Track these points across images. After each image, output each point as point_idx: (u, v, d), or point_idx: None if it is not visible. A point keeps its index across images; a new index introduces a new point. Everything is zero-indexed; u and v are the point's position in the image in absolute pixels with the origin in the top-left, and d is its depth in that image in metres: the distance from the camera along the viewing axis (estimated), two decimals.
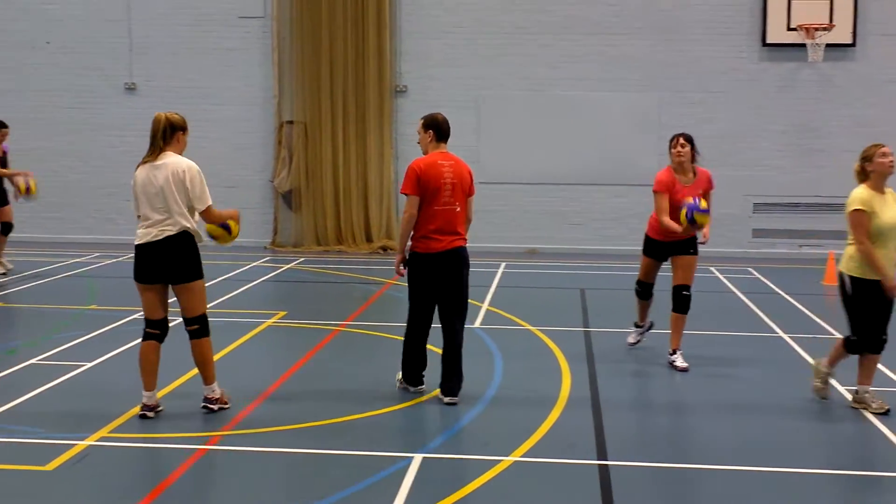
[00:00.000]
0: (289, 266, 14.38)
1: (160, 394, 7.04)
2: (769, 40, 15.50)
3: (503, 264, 14.43)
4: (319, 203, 16.11)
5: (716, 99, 15.74)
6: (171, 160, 6.62)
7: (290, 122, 16.14)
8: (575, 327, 10.06)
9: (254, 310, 10.76)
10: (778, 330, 10.01)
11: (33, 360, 8.36)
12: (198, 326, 6.79)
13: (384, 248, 15.84)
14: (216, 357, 7.40)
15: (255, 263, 14.38)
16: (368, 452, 6.15)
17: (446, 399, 7.24)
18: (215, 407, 6.88)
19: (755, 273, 13.94)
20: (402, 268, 7.36)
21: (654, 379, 8.27)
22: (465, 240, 7.34)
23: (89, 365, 8.22)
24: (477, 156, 16.06)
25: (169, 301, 6.84)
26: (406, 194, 7.18)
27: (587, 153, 15.94)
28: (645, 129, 15.71)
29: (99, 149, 16.22)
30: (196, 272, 6.71)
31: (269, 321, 10.16)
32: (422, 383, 7.52)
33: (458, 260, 7.24)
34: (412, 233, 7.25)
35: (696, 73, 15.75)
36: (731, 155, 15.58)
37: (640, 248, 8.86)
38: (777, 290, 12.45)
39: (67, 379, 7.81)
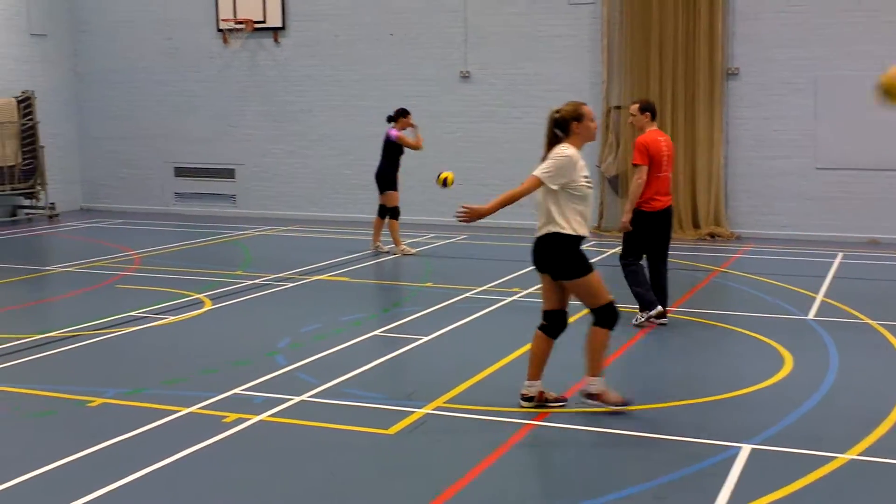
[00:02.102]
0: (614, 250, 14.40)
1: (487, 371, 7.32)
2: None
3: (840, 254, 13.67)
4: None
5: None
6: (552, 152, 6.53)
7: (618, 108, 16.14)
8: None
9: None
10: None
11: (376, 332, 8.98)
12: (594, 316, 6.63)
13: (712, 235, 15.51)
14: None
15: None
16: (695, 439, 6.09)
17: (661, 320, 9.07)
18: (589, 402, 6.60)
19: None
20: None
21: None
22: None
23: (426, 339, 8.70)
24: (813, 140, 15.34)
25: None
26: (639, 165, 8.92)
27: None
28: None
29: (435, 135, 16.97)
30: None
31: None
32: (657, 304, 9.07)
33: (670, 216, 9.26)
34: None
35: None
36: None
37: None
38: None
39: (406, 350, 8.33)
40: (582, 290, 6.55)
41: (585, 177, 6.50)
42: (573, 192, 6.44)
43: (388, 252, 13.68)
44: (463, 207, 6.40)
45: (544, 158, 6.55)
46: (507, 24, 16.88)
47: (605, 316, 6.58)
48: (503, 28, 16.91)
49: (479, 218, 6.43)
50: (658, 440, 6.12)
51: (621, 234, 9.50)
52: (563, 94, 16.41)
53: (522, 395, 6.73)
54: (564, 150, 6.48)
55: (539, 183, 6.43)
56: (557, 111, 6.62)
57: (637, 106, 9.24)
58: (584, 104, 6.70)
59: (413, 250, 13.76)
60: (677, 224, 15.75)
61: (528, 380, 6.73)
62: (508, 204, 6.45)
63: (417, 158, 16.82)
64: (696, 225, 15.79)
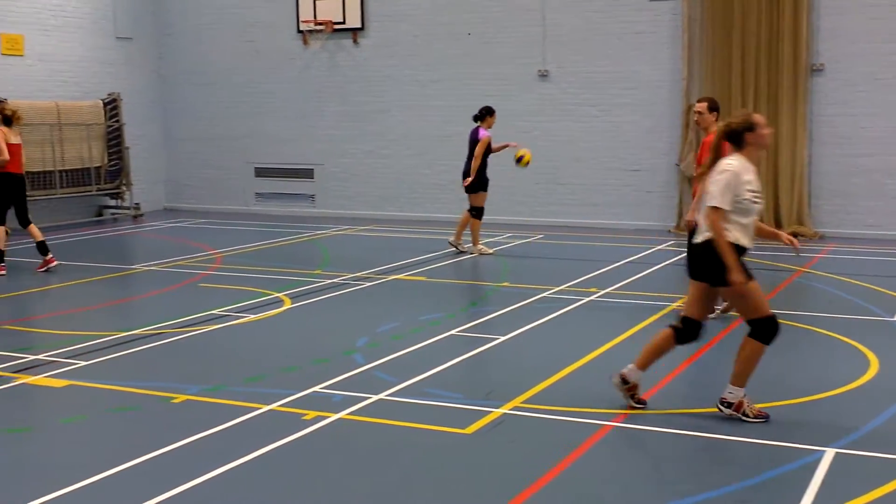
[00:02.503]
0: None
1: (567, 370, 7.27)
2: None
3: None
4: None
5: None
6: (714, 169, 6.37)
7: None
8: None
9: (656, 293, 10.80)
10: None
11: (453, 331, 8.99)
12: (750, 328, 6.44)
13: (795, 234, 15.22)
14: (614, 341, 7.57)
15: (659, 247, 14.40)
16: (778, 443, 5.99)
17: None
18: (726, 411, 6.42)
19: None
20: None
21: None
22: None
23: (502, 339, 8.70)
24: None
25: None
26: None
27: None
28: None
29: (513, 134, 16.90)
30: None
31: (673, 305, 10.14)
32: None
33: None
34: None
35: None
36: None
37: None
38: None
39: (483, 350, 8.33)
40: (737, 299, 6.39)
41: (752, 191, 6.24)
42: (737, 206, 6.23)
43: (466, 251, 13.69)
44: (726, 301, 6.33)
45: (700, 167, 6.39)
46: (586, 22, 16.78)
47: (762, 329, 6.35)
48: (582, 26, 16.81)
49: (742, 284, 6.19)
50: (739, 443, 6.03)
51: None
52: (643, 91, 16.38)
53: (622, 374, 6.63)
54: (724, 165, 6.27)
55: (720, 212, 6.20)
56: (728, 124, 6.39)
57: (706, 105, 9.26)
58: (754, 112, 6.47)
59: (490, 250, 13.75)
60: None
61: (634, 364, 6.65)
62: (723, 242, 6.16)
63: (494, 157, 16.81)
64: (778, 224, 15.50)
